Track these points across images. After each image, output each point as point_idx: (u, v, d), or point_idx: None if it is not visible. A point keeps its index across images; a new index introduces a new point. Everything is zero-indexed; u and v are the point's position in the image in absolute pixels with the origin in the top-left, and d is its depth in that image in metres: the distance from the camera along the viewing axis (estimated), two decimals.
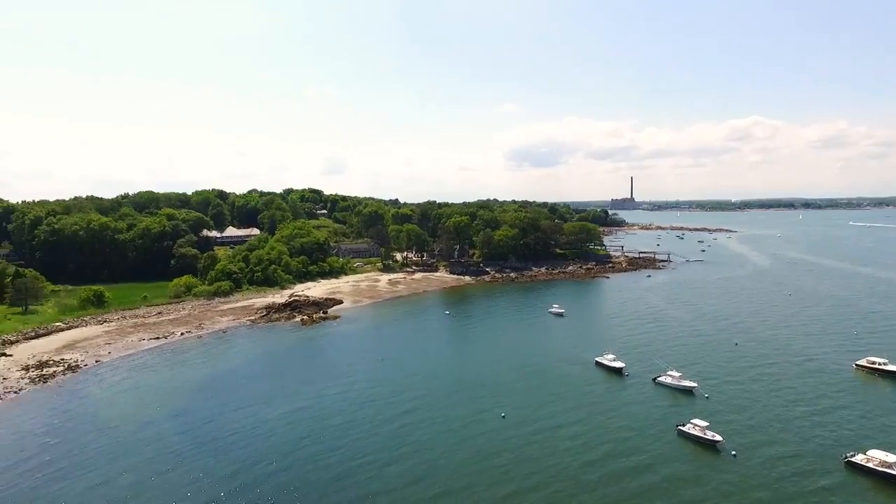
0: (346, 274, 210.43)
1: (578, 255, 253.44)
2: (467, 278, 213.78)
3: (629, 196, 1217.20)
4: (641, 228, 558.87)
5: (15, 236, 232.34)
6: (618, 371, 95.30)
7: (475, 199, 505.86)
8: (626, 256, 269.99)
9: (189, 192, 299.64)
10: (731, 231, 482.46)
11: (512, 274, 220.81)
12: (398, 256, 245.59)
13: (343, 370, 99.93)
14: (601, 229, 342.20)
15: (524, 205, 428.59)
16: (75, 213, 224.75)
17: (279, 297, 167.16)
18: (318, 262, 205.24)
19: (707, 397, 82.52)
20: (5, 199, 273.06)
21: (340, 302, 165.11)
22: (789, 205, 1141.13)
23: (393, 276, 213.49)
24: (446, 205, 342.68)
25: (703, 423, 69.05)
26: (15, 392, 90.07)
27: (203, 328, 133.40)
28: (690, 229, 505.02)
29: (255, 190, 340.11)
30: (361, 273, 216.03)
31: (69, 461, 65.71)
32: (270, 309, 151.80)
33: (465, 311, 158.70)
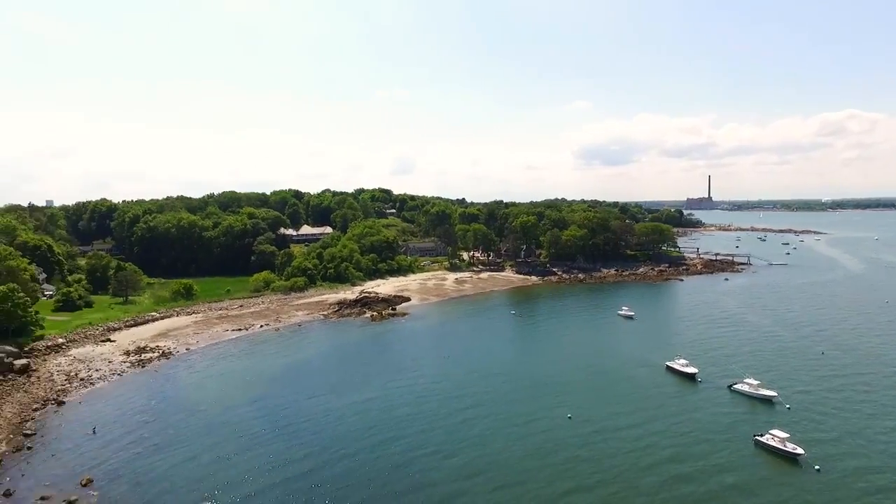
0: (413, 272, 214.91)
1: (650, 257, 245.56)
2: (534, 278, 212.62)
3: (706, 195, 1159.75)
4: (719, 229, 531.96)
5: (116, 232, 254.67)
6: (690, 377, 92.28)
7: (543, 199, 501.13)
8: (702, 258, 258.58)
9: (268, 192, 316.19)
10: (819, 233, 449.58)
11: (580, 275, 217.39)
12: (465, 256, 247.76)
13: (409, 365, 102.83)
14: (675, 230, 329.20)
15: (593, 204, 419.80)
16: (167, 212, 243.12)
17: (350, 293, 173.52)
18: (387, 260, 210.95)
19: (788, 408, 78.48)
20: (108, 199, 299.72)
21: (408, 299, 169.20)
22: (890, 205, 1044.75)
23: (459, 275, 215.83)
24: (513, 204, 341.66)
25: (783, 435, 65.89)
26: (118, 374, 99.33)
27: (280, 321, 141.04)
28: (774, 231, 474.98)
29: (328, 190, 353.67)
30: (428, 272, 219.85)
31: (162, 437, 72.12)
32: (342, 305, 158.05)
33: (531, 311, 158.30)
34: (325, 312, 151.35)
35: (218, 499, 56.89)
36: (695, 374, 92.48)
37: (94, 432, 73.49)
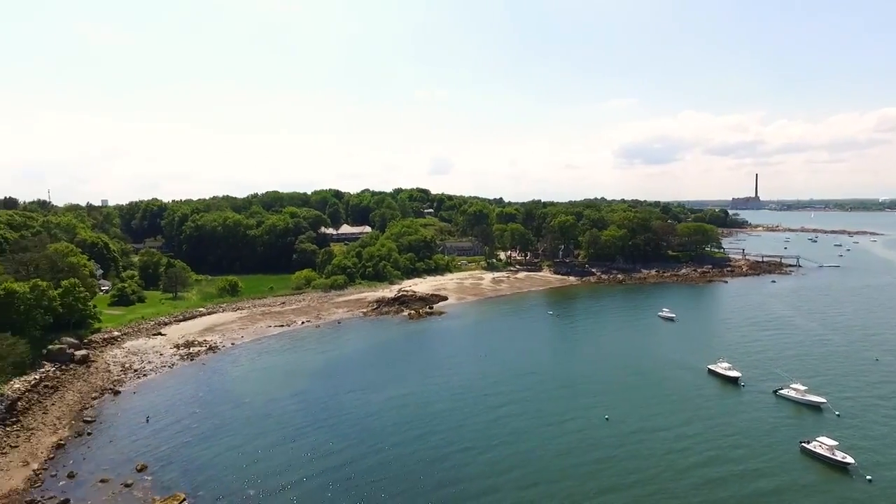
0: (450, 271, 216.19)
1: (693, 258, 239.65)
2: (572, 279, 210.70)
3: (753, 195, 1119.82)
4: (766, 230, 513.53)
5: (166, 231, 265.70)
6: (733, 380, 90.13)
7: (582, 199, 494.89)
8: (748, 260, 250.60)
9: (308, 192, 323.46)
10: (876, 234, 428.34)
11: (619, 275, 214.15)
12: (502, 255, 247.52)
13: (445, 363, 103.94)
14: (720, 230, 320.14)
15: (634, 204, 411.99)
16: (214, 212, 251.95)
17: (388, 291, 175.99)
18: (424, 259, 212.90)
19: (838, 415, 75.83)
20: (159, 199, 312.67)
21: (445, 298, 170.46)
22: None
23: (496, 274, 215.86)
24: (551, 204, 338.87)
25: (832, 443, 63.78)
26: (169, 367, 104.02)
27: (321, 318, 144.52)
28: (826, 231, 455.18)
29: (367, 190, 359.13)
30: (465, 271, 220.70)
31: (209, 427, 75.37)
32: (380, 303, 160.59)
33: (569, 311, 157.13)
34: (363, 310, 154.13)
35: (260, 486, 59.28)
36: (738, 377, 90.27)
37: (147, 421, 77.38)
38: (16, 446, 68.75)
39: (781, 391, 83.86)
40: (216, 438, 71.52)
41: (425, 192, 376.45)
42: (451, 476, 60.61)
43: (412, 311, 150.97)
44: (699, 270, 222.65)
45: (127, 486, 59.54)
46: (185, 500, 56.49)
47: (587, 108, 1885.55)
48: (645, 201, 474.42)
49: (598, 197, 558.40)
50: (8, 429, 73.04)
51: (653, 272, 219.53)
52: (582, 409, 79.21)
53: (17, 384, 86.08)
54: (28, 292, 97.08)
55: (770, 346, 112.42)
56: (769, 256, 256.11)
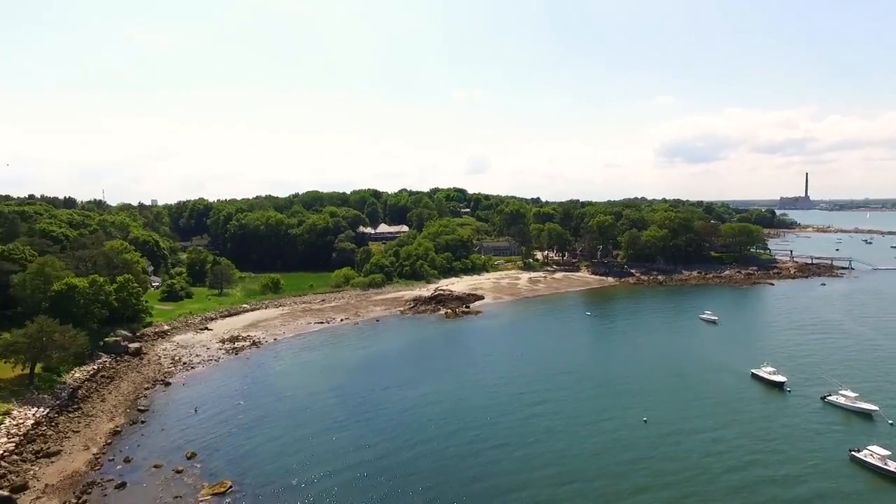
0: (487, 271, 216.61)
1: (737, 259, 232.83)
2: (610, 279, 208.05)
3: (802, 194, 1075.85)
4: (816, 231, 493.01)
5: (212, 230, 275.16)
6: (778, 385, 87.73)
7: (622, 198, 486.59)
8: (796, 262, 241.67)
9: (347, 192, 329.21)
10: None
11: (659, 276, 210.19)
12: (539, 255, 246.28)
13: (481, 361, 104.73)
14: (766, 231, 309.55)
15: (675, 204, 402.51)
16: (257, 211, 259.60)
17: (425, 290, 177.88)
18: (461, 258, 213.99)
19: (891, 424, 72.98)
20: (205, 198, 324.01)
21: (481, 298, 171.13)
22: None
23: (533, 274, 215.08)
24: (590, 203, 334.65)
25: (884, 452, 61.48)
26: (215, 360, 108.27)
27: (359, 316, 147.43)
28: (882, 233, 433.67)
29: (404, 189, 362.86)
30: (502, 271, 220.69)
31: (253, 418, 78.37)
32: (417, 301, 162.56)
33: (607, 312, 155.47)
34: (401, 308, 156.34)
35: (301, 475, 61.48)
36: (783, 382, 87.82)
37: (195, 411, 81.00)
38: (77, 431, 73.23)
39: (830, 397, 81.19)
40: (259, 429, 74.38)
41: (462, 191, 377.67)
42: (485, 471, 61.49)
43: (448, 310, 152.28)
44: (743, 272, 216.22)
45: (178, 472, 62.71)
46: (231, 487, 59.18)
47: (627, 105, 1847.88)
48: (687, 201, 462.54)
49: (639, 196, 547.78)
50: (70, 415, 77.83)
51: (694, 273, 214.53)
52: (619, 410, 78.75)
53: (78, 374, 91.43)
54: (87, 287, 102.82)
55: (818, 350, 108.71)
56: (819, 258, 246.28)
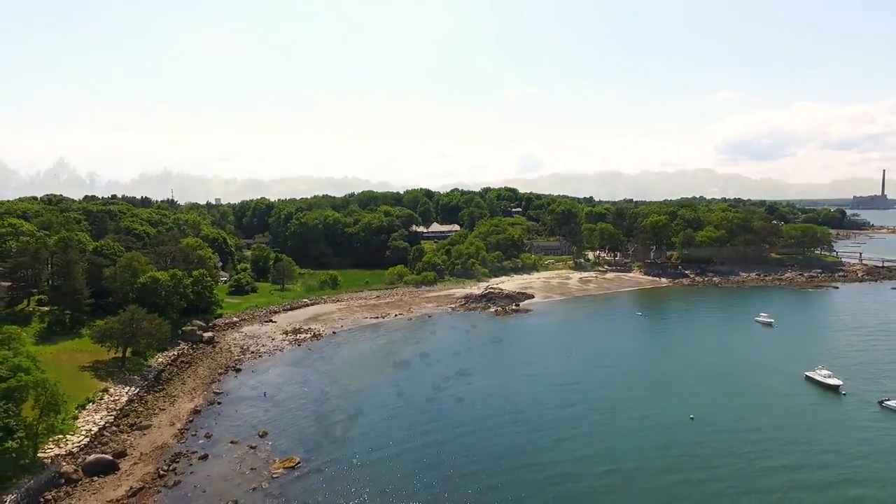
0: (537, 270, 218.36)
1: (799, 261, 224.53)
2: (664, 280, 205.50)
3: (879, 193, 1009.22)
4: (892, 232, 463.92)
5: (273, 228, 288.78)
6: (833, 388, 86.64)
7: (678, 198, 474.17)
8: (865, 264, 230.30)
9: (401, 192, 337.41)
10: None
11: (715, 278, 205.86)
12: (590, 256, 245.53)
13: (531, 358, 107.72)
14: (834, 232, 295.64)
15: (736, 203, 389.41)
16: (315, 210, 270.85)
17: (476, 289, 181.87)
18: (511, 257, 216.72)
19: None
20: (266, 198, 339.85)
21: (531, 296, 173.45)
22: None
23: (584, 274, 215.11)
24: (644, 203, 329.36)
25: None
26: (280, 350, 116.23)
27: (412, 311, 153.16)
28: None
29: (456, 189, 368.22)
30: (552, 270, 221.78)
31: (316, 403, 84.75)
32: (468, 299, 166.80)
33: (659, 312, 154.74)
34: (452, 305, 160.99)
35: (361, 455, 66.89)
36: (838, 386, 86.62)
37: (264, 395, 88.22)
38: (163, 409, 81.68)
39: (889, 402, 79.79)
40: (322, 413, 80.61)
41: (513, 191, 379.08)
42: (532, 460, 64.93)
43: (499, 308, 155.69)
44: (806, 275, 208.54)
45: (252, 447, 69.45)
46: (299, 462, 65.27)
47: (687, 101, 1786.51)
48: (749, 200, 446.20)
49: (697, 196, 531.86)
50: (156, 394, 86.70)
51: (753, 275, 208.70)
52: (666, 408, 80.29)
53: (161, 358, 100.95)
54: (168, 280, 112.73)
55: (878, 355, 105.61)
56: (891, 261, 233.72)
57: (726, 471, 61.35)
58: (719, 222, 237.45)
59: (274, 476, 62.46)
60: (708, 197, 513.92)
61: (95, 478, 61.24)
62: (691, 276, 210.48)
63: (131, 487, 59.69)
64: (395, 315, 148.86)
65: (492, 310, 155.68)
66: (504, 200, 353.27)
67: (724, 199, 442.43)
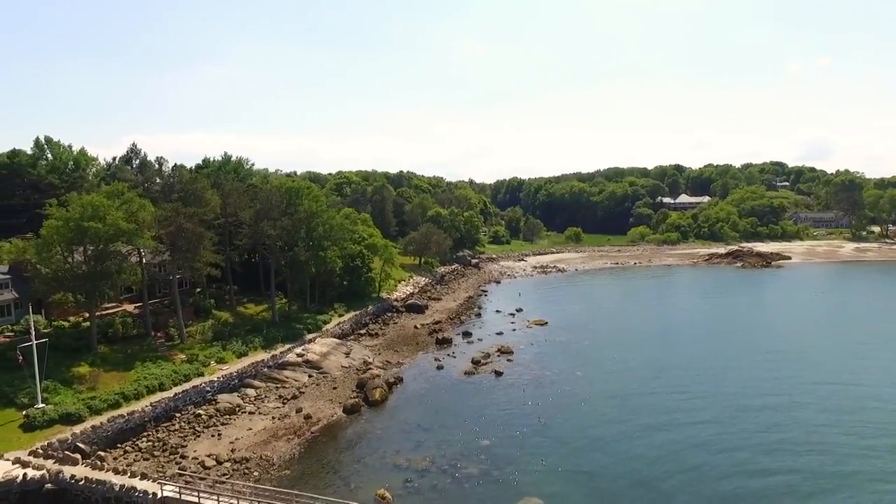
0: (800, 239, 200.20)
1: None
2: None
3: None
4: None
5: (523, 202, 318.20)
6: None
7: None
8: None
9: (649, 167, 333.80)
10: None
11: None
12: (875, 229, 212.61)
13: (780, 300, 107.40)
14: None
15: None
16: (563, 182, 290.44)
17: (722, 250, 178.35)
18: (768, 224, 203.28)
19: None
20: (518, 176, 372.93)
21: (788, 258, 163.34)
22: None
23: (863, 244, 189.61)
24: None
25: None
26: (529, 276, 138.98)
27: (651, 262, 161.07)
28: None
29: (710, 164, 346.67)
30: (821, 240, 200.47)
31: (559, 300, 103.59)
32: (712, 256, 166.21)
33: None
34: (694, 260, 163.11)
35: (593, 323, 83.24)
36: None
37: (519, 296, 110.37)
38: (447, 294, 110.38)
39: None
40: (562, 305, 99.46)
41: (781, 164, 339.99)
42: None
43: (746, 263, 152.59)
44: None
45: (511, 314, 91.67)
46: (547, 322, 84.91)
47: None
48: None
49: None
50: (442, 287, 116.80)
51: None
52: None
53: (442, 269, 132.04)
54: (447, 214, 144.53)
55: None
56: None
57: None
58: None
59: (528, 327, 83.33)
60: None
61: (412, 313, 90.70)
62: None
63: (433, 320, 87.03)
64: (634, 263, 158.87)
65: (738, 265, 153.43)
66: (768, 174, 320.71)
67: None
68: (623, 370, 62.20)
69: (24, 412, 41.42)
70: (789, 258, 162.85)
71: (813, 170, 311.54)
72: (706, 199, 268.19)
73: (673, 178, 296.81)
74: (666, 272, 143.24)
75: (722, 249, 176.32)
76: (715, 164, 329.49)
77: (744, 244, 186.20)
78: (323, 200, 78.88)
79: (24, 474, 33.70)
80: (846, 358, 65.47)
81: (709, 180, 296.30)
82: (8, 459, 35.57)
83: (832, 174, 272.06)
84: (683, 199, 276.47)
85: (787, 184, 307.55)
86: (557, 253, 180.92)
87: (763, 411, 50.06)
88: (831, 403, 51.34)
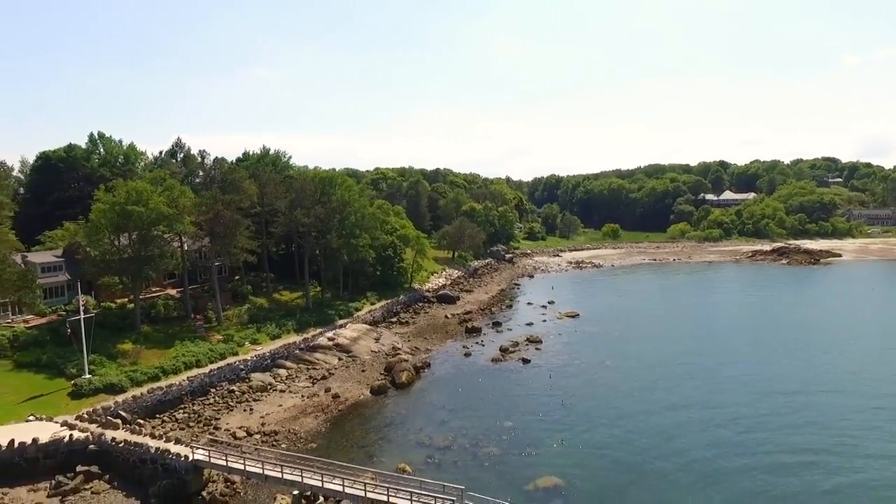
0: (853, 237, 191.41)
1: None
2: None
3: None
4: None
5: (560, 199, 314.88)
6: None
7: None
8: None
9: (692, 164, 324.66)
10: None
11: None
12: None
13: (830, 298, 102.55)
14: None
15: None
16: (601, 178, 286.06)
17: (767, 247, 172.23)
18: (817, 221, 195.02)
19: None
20: (556, 174, 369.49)
21: (838, 255, 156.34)
22: None
23: None
24: None
25: None
26: (564, 271, 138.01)
27: (691, 259, 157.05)
28: None
29: (756, 160, 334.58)
30: (875, 238, 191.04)
31: (590, 294, 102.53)
32: (756, 253, 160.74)
33: None
34: (736, 258, 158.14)
35: (623, 316, 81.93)
36: None
37: (552, 289, 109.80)
38: (479, 287, 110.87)
39: None
40: (594, 299, 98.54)
41: (833, 160, 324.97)
42: None
43: (793, 260, 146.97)
44: None
45: (543, 306, 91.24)
46: (578, 314, 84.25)
47: None
48: None
49: None
50: (474, 280, 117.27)
51: None
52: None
53: (475, 263, 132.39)
54: (481, 209, 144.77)
55: None
56: None
57: None
58: None
59: (559, 319, 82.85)
60: None
61: (443, 304, 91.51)
62: None
63: (464, 311, 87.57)
64: (673, 259, 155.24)
65: (784, 261, 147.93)
66: (819, 169, 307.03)
67: None
68: (653, 361, 61.23)
69: (72, 381, 44.15)
70: (839, 256, 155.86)
71: (869, 165, 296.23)
72: (752, 195, 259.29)
73: (717, 174, 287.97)
74: (706, 268, 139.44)
75: (767, 246, 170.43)
76: (762, 160, 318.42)
77: (790, 241, 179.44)
78: (355, 189, 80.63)
79: (71, 436, 36.00)
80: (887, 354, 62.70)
81: (755, 176, 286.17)
82: (57, 422, 38.06)
83: (890, 170, 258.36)
84: (727, 195, 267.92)
85: (839, 180, 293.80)
86: (594, 249, 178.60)
87: (796, 396, 48.82)
88: (857, 392, 49.51)
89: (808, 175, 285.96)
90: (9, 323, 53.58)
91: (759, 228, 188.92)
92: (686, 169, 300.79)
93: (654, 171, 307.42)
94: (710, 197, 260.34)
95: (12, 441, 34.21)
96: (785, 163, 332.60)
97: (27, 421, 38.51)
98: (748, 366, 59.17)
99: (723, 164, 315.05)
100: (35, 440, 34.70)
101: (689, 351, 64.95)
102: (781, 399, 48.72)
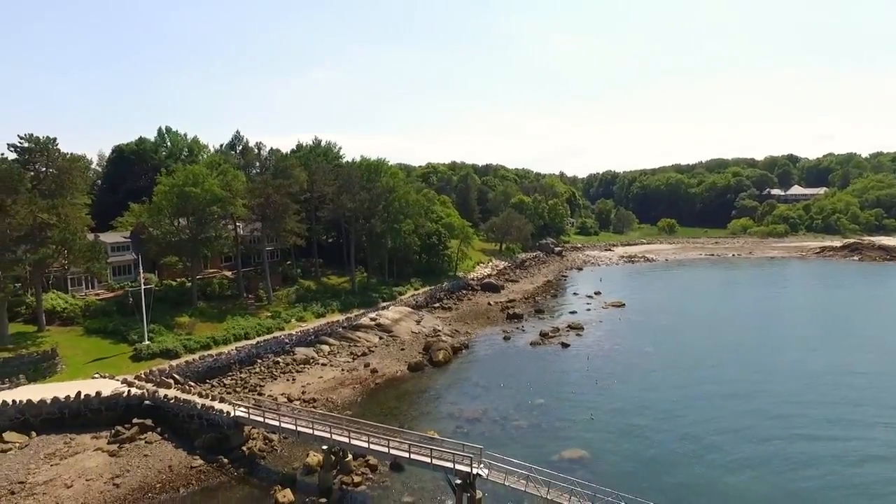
0: None
1: None
2: None
3: None
4: None
5: (616, 195, 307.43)
6: None
7: None
8: None
9: (758, 158, 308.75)
10: None
11: None
12: None
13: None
14: None
15: None
16: (659, 174, 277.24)
17: (837, 243, 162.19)
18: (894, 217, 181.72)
19: None
20: (612, 170, 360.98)
21: None
22: None
23: None
24: None
25: None
26: (615, 264, 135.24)
27: (752, 254, 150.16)
28: None
29: (830, 154, 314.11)
30: None
31: (638, 289, 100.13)
32: (824, 249, 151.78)
33: None
34: (802, 253, 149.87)
35: (671, 307, 79.64)
36: None
37: (600, 281, 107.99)
38: (525, 278, 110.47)
39: None
40: (643, 293, 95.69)
41: None
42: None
43: (865, 256, 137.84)
44: None
45: (589, 296, 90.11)
46: (624, 304, 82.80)
47: None
48: None
49: None
50: (521, 271, 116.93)
51: None
52: None
53: (523, 255, 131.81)
54: (530, 202, 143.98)
55: None
56: None
57: None
58: None
59: (604, 308, 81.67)
60: None
61: (487, 292, 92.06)
62: None
63: (508, 299, 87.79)
64: (732, 255, 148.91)
65: (855, 258, 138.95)
66: None
67: None
68: (697, 351, 59.50)
69: (133, 346, 47.95)
70: None
71: None
72: (822, 190, 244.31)
73: (784, 168, 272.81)
74: (768, 264, 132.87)
75: (837, 242, 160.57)
76: (836, 154, 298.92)
77: (865, 237, 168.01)
78: (400, 176, 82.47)
79: (129, 391, 39.30)
80: None
81: (827, 170, 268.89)
82: (118, 380, 41.63)
83: None
84: (796, 190, 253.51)
85: None
86: (648, 244, 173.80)
87: (838, 390, 46.32)
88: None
89: (889, 168, 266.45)
90: (83, 295, 58.50)
91: (830, 224, 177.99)
92: (750, 163, 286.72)
93: (716, 166, 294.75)
94: (776, 192, 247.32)
95: (79, 393, 37.76)
96: (863, 156, 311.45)
97: (93, 378, 42.33)
98: (800, 354, 56.64)
99: (791, 159, 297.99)
100: (98, 393, 38.15)
101: (738, 343, 62.60)
102: (831, 392, 46.23)
